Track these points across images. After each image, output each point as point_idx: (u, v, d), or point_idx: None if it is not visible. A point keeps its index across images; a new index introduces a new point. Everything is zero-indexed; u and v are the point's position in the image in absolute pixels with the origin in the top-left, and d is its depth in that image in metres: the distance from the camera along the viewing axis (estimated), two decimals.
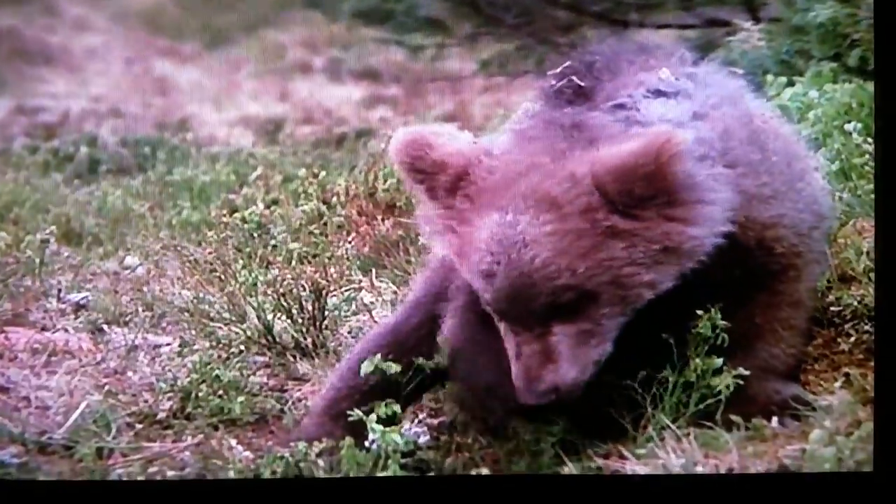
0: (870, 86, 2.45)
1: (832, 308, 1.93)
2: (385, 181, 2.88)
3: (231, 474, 1.77)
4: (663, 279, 1.69)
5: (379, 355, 1.86)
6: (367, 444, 1.74)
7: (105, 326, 2.51)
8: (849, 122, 2.22)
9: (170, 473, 1.82)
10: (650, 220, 1.65)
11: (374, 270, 2.65)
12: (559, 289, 1.64)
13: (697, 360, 1.78)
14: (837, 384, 1.82)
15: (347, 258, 2.65)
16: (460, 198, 1.72)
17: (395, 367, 1.85)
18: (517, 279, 1.64)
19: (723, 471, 1.67)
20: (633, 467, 1.71)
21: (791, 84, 2.83)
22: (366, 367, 1.86)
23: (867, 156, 2.11)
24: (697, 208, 1.67)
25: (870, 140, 2.16)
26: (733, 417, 1.76)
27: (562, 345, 1.66)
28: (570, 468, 1.73)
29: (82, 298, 2.65)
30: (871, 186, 2.09)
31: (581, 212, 1.64)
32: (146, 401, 2.14)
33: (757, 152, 1.77)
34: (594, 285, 1.65)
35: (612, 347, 1.71)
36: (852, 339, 1.90)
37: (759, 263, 1.82)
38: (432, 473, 1.79)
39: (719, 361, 1.77)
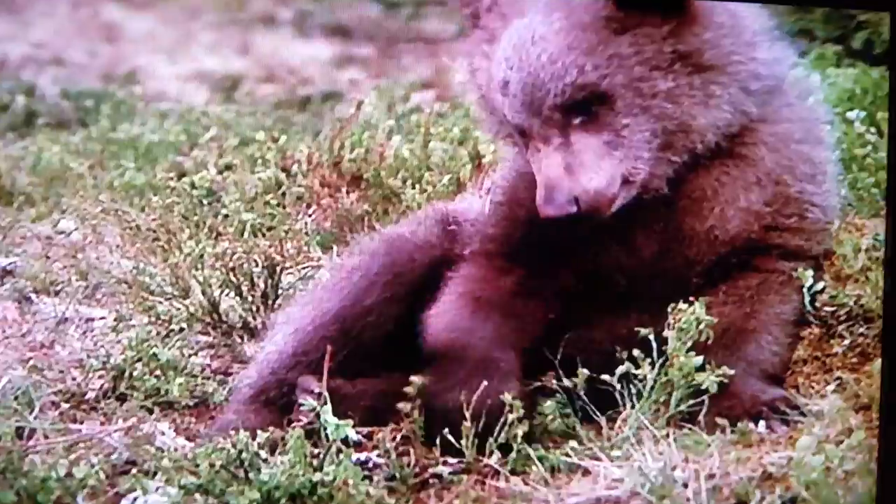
0: (875, 71, 2.38)
1: (826, 308, 1.84)
2: (352, 150, 2.71)
3: (165, 463, 1.63)
4: (685, 94, 1.65)
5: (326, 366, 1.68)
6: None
7: (33, 295, 2.38)
8: (851, 109, 2.14)
9: (95, 459, 1.68)
10: (653, 17, 1.63)
11: (335, 247, 2.49)
12: (568, 87, 1.64)
13: (682, 358, 1.68)
14: (829, 388, 1.75)
15: (306, 232, 2.53)
16: (494, 15, 1.71)
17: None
18: (526, 79, 1.65)
19: (703, 476, 1.56)
20: (607, 468, 1.62)
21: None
22: (308, 407, 1.67)
23: (869, 146, 2.02)
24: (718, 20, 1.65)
25: (873, 129, 2.07)
26: (718, 420, 1.68)
27: (583, 155, 1.65)
28: (537, 467, 1.64)
29: (9, 264, 2.51)
30: (872, 179, 2.01)
31: (585, 6, 1.65)
32: (74, 378, 2.02)
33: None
34: (606, 86, 1.63)
35: (645, 166, 1.67)
36: (846, 341, 1.81)
37: (764, 262, 1.78)
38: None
39: (699, 360, 1.68)
